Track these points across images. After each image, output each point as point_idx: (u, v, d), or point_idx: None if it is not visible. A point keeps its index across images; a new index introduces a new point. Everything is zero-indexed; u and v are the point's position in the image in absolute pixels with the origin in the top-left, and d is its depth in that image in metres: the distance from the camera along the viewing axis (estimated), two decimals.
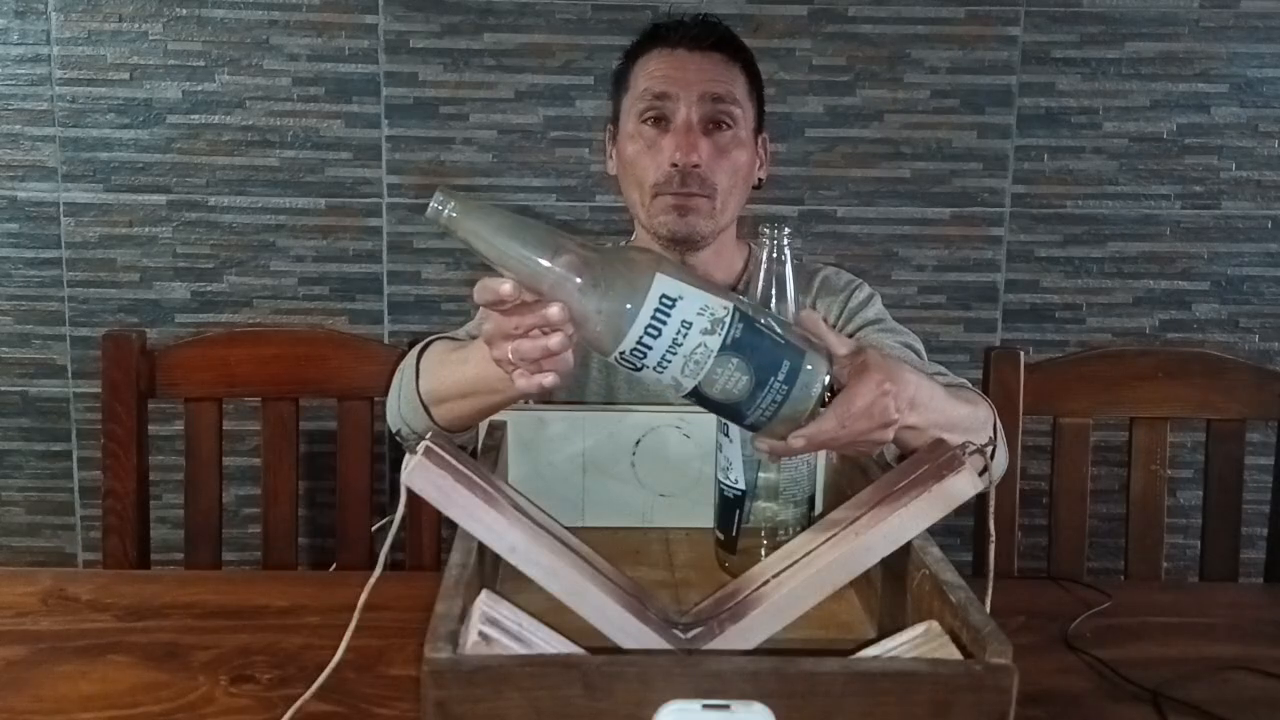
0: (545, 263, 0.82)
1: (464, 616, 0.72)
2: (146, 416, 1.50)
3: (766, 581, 0.86)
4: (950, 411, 1.02)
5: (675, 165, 1.25)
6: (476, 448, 1.15)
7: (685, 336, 0.82)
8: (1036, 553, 1.56)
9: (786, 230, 0.95)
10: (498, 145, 2.01)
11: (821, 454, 1.10)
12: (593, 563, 0.86)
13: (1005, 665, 0.68)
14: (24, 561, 2.07)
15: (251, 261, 2.02)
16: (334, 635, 0.80)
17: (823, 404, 0.86)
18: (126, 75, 1.96)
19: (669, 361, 0.82)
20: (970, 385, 1.21)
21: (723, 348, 0.82)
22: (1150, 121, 2.03)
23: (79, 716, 0.90)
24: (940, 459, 0.87)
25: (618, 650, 0.79)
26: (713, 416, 1.03)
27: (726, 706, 0.66)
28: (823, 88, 2.00)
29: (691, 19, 1.31)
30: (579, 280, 0.82)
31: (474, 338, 1.22)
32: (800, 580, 0.83)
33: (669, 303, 0.81)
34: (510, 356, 0.87)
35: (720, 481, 1.04)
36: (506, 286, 0.83)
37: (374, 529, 1.51)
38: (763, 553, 1.01)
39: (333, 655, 0.79)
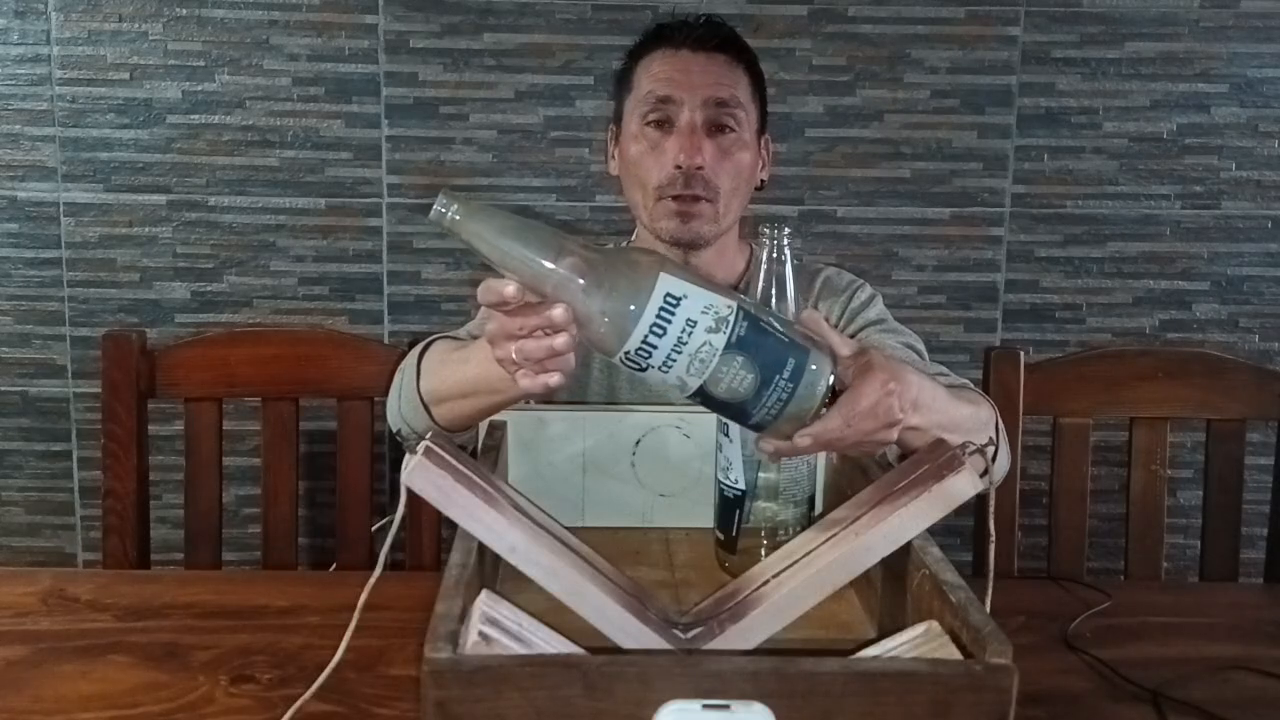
0: (549, 264, 0.82)
1: (464, 616, 0.72)
2: (146, 416, 1.50)
3: (766, 581, 0.86)
4: (953, 412, 1.02)
5: (679, 167, 1.25)
6: (476, 448, 1.15)
7: (690, 335, 0.82)
8: (1036, 553, 1.56)
9: (786, 230, 0.95)
10: (498, 145, 2.01)
11: (822, 454, 1.10)
12: (593, 563, 0.86)
13: (1005, 665, 0.68)
14: (24, 561, 2.07)
15: (251, 261, 2.02)
16: (334, 635, 0.80)
17: (826, 405, 0.86)
18: (126, 75, 1.96)
19: (674, 361, 0.82)
20: (972, 386, 1.21)
21: (728, 346, 0.82)
22: (1150, 121, 2.03)
23: (79, 716, 0.90)
24: (940, 459, 0.87)
25: (618, 650, 0.79)
26: (713, 417, 1.03)
27: (726, 706, 0.66)
28: (823, 88, 2.00)
29: (696, 20, 1.31)
30: (582, 281, 0.82)
31: (475, 337, 1.22)
32: (800, 580, 0.83)
33: (673, 301, 0.81)
34: (514, 356, 0.87)
35: (720, 481, 1.04)
36: (511, 288, 0.83)
37: (374, 529, 1.51)
38: (763, 553, 1.01)
39: (333, 655, 0.79)
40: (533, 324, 0.84)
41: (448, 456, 0.82)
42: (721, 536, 1.05)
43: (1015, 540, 1.47)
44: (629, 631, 0.79)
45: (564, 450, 1.17)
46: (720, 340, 0.82)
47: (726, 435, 1.02)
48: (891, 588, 0.90)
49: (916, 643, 0.76)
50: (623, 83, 1.34)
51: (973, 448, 0.88)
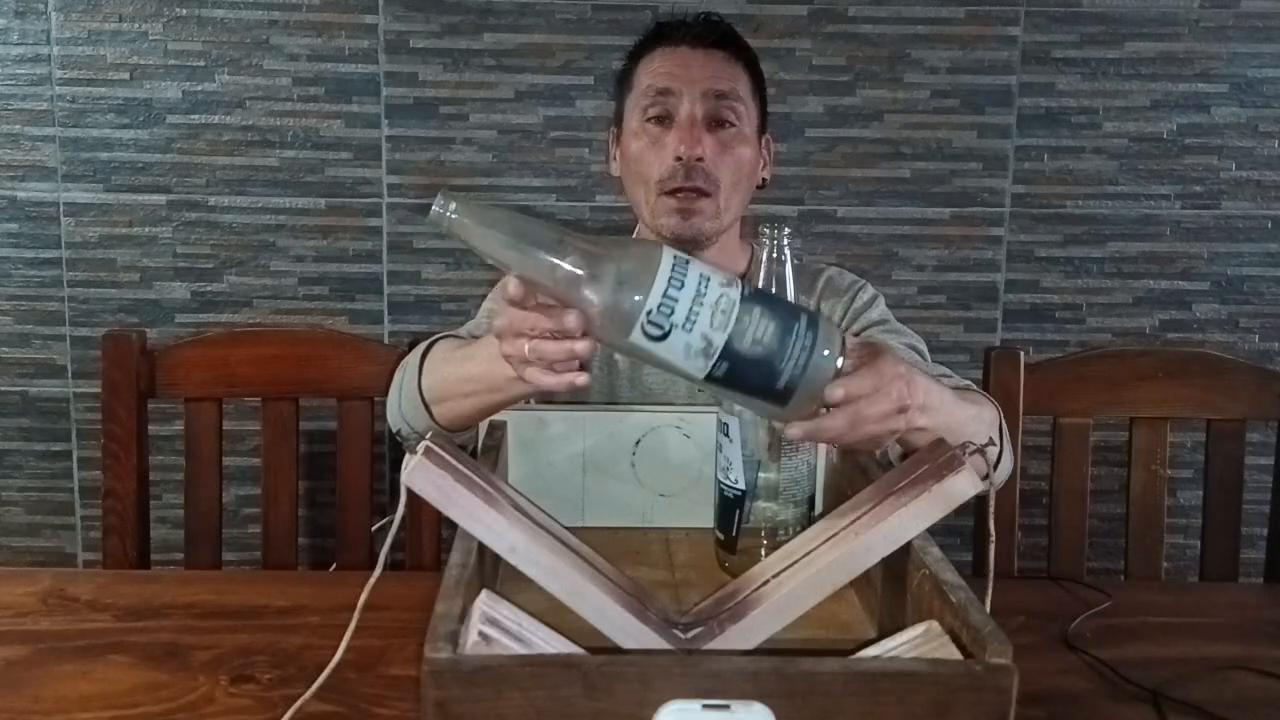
0: (552, 258, 0.83)
1: (464, 616, 0.72)
2: (146, 416, 1.50)
3: (766, 581, 0.86)
4: (958, 414, 1.02)
5: (679, 159, 1.25)
6: (476, 448, 1.15)
7: (707, 288, 0.83)
8: (1036, 553, 1.56)
9: (786, 230, 0.96)
10: (498, 145, 2.01)
11: (821, 454, 1.10)
12: (593, 563, 0.86)
13: (1005, 665, 0.68)
14: (24, 561, 2.07)
15: (251, 261, 2.02)
16: (334, 635, 0.80)
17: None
18: (126, 75, 1.96)
19: (696, 315, 0.82)
20: (975, 387, 1.21)
21: (744, 297, 0.83)
22: (1150, 121, 2.03)
23: (79, 716, 0.90)
24: (940, 459, 0.87)
25: (618, 650, 0.79)
26: (712, 417, 1.04)
27: (726, 706, 0.66)
28: (823, 88, 2.00)
29: (695, 18, 1.31)
30: (585, 271, 0.82)
31: (476, 337, 1.22)
32: (800, 580, 0.83)
33: (684, 264, 0.83)
34: (526, 354, 0.87)
35: (720, 481, 1.04)
36: (512, 285, 0.85)
37: (374, 529, 1.51)
38: (763, 553, 1.01)
39: (333, 655, 0.79)
40: (544, 326, 0.85)
41: (448, 456, 0.82)
42: (721, 536, 1.05)
43: (1015, 540, 1.47)
44: (629, 631, 0.79)
45: (564, 450, 1.17)
46: (736, 293, 0.83)
47: (726, 435, 1.02)
48: (891, 588, 0.90)
49: (916, 643, 0.76)
50: (623, 83, 1.34)
51: (973, 448, 0.88)
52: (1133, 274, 2.07)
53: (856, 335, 1.28)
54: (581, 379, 0.88)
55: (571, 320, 0.83)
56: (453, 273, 2.03)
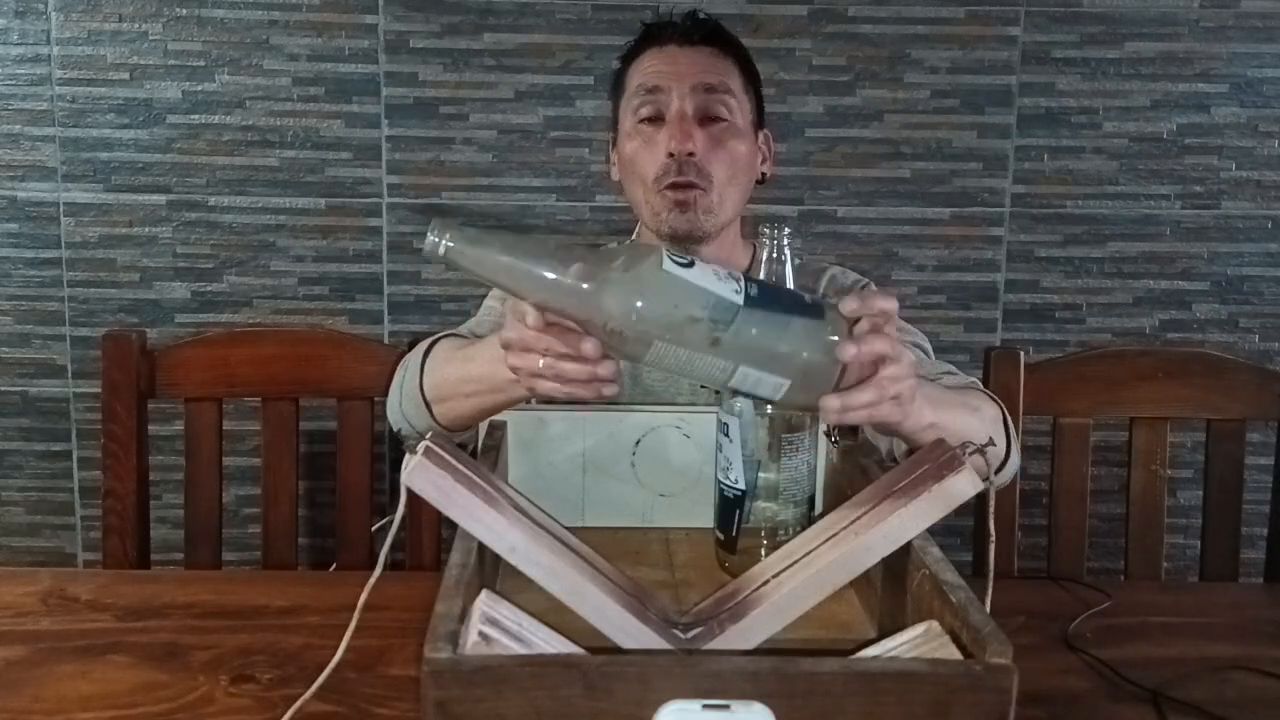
0: (554, 275, 0.84)
1: (464, 616, 0.72)
2: (146, 416, 1.50)
3: (766, 581, 0.86)
4: (965, 418, 1.05)
5: (671, 155, 1.25)
6: (476, 448, 1.15)
7: (714, 269, 0.86)
8: (1036, 553, 1.56)
9: (786, 230, 0.96)
10: (498, 145, 2.01)
11: (821, 454, 1.10)
12: (593, 563, 0.86)
13: (1005, 665, 0.68)
14: (24, 561, 2.07)
15: (251, 261, 2.02)
16: (334, 635, 0.80)
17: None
18: (126, 75, 1.96)
19: (718, 273, 0.86)
20: (980, 385, 1.21)
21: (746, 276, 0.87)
22: (1150, 121, 2.03)
23: (79, 716, 0.90)
24: (940, 459, 0.87)
25: (618, 650, 0.79)
26: (712, 417, 1.04)
27: (726, 706, 0.66)
28: (823, 88, 2.00)
29: (681, 17, 1.31)
30: (588, 285, 0.83)
31: (477, 335, 1.22)
32: (800, 580, 0.83)
33: (683, 255, 0.87)
34: (540, 369, 0.90)
35: (720, 481, 1.04)
36: (531, 316, 0.87)
37: (374, 529, 1.51)
38: (763, 553, 1.01)
39: (333, 655, 0.79)
40: (559, 350, 0.88)
41: (448, 456, 0.82)
42: (721, 536, 1.05)
43: (1015, 540, 1.47)
44: (629, 631, 0.79)
45: (564, 450, 1.17)
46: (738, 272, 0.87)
47: (726, 435, 1.02)
48: (891, 588, 0.90)
49: (916, 643, 0.76)
50: (616, 87, 1.35)
51: (973, 448, 0.88)
52: (1133, 274, 2.07)
53: None
54: (610, 390, 0.90)
55: (589, 348, 0.86)
56: (453, 273, 2.02)
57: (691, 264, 0.86)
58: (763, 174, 1.36)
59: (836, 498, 1.03)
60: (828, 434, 1.09)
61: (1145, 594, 1.24)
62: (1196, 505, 1.75)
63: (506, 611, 0.75)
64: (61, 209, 2.00)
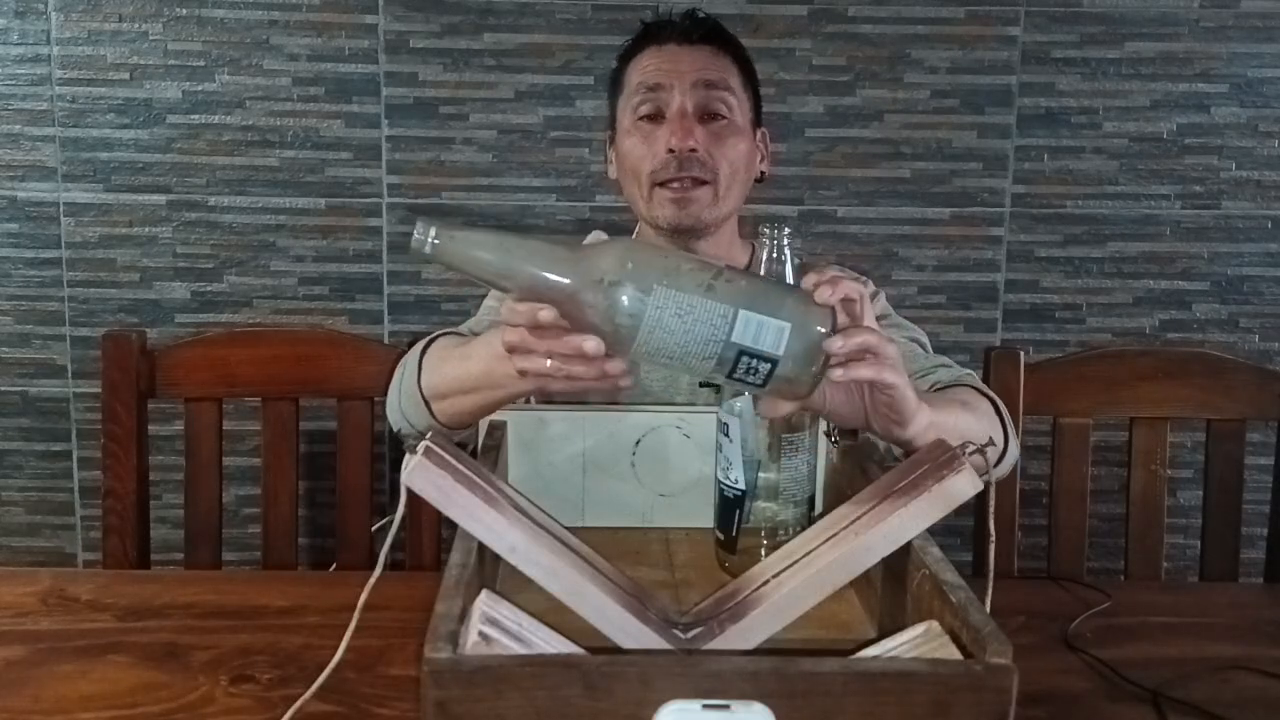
0: (541, 259, 0.84)
1: (464, 616, 0.72)
2: (146, 416, 1.50)
3: (766, 581, 0.86)
4: (966, 421, 1.05)
5: (672, 151, 1.25)
6: (476, 447, 1.15)
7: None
8: (1036, 553, 1.56)
9: (786, 230, 0.95)
10: (498, 145, 2.01)
11: (821, 454, 1.10)
12: (593, 563, 0.86)
13: (1005, 665, 0.68)
14: (24, 561, 2.07)
15: (251, 261, 2.02)
16: (334, 635, 0.80)
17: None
18: (126, 75, 1.97)
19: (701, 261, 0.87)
20: (975, 378, 1.22)
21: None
22: (1150, 121, 2.03)
23: (79, 716, 0.90)
24: (940, 459, 0.87)
25: (618, 650, 0.79)
26: (712, 417, 1.04)
27: (726, 706, 0.66)
28: (823, 88, 2.00)
29: (680, 16, 1.31)
30: (568, 281, 0.84)
31: (476, 334, 1.22)
32: (800, 580, 0.83)
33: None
34: (548, 369, 0.89)
35: (720, 481, 1.04)
36: (547, 314, 0.86)
37: (374, 529, 1.51)
38: (763, 553, 1.01)
39: (333, 655, 0.79)
40: (560, 352, 0.88)
41: (448, 456, 0.82)
42: (721, 536, 1.05)
43: (1015, 540, 1.47)
44: (629, 631, 0.79)
45: (564, 450, 1.17)
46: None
47: (726, 435, 1.02)
48: (891, 588, 0.90)
49: (916, 643, 0.76)
50: (614, 85, 1.35)
51: (973, 448, 0.88)
52: (1133, 274, 2.07)
53: None
54: (626, 382, 0.90)
55: (591, 346, 0.85)
56: (452, 273, 2.02)
57: None
58: (760, 173, 1.36)
59: (836, 498, 1.03)
60: (828, 434, 1.09)
61: (1145, 594, 1.24)
62: (1196, 505, 1.75)
63: (506, 611, 0.75)
64: (61, 209, 2.00)
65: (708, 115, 1.27)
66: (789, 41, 1.99)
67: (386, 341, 1.93)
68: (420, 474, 0.79)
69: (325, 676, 0.79)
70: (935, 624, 0.77)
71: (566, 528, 0.93)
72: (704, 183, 1.26)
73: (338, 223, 2.02)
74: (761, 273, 0.96)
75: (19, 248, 2.01)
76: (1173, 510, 1.79)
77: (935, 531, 0.85)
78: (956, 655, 0.72)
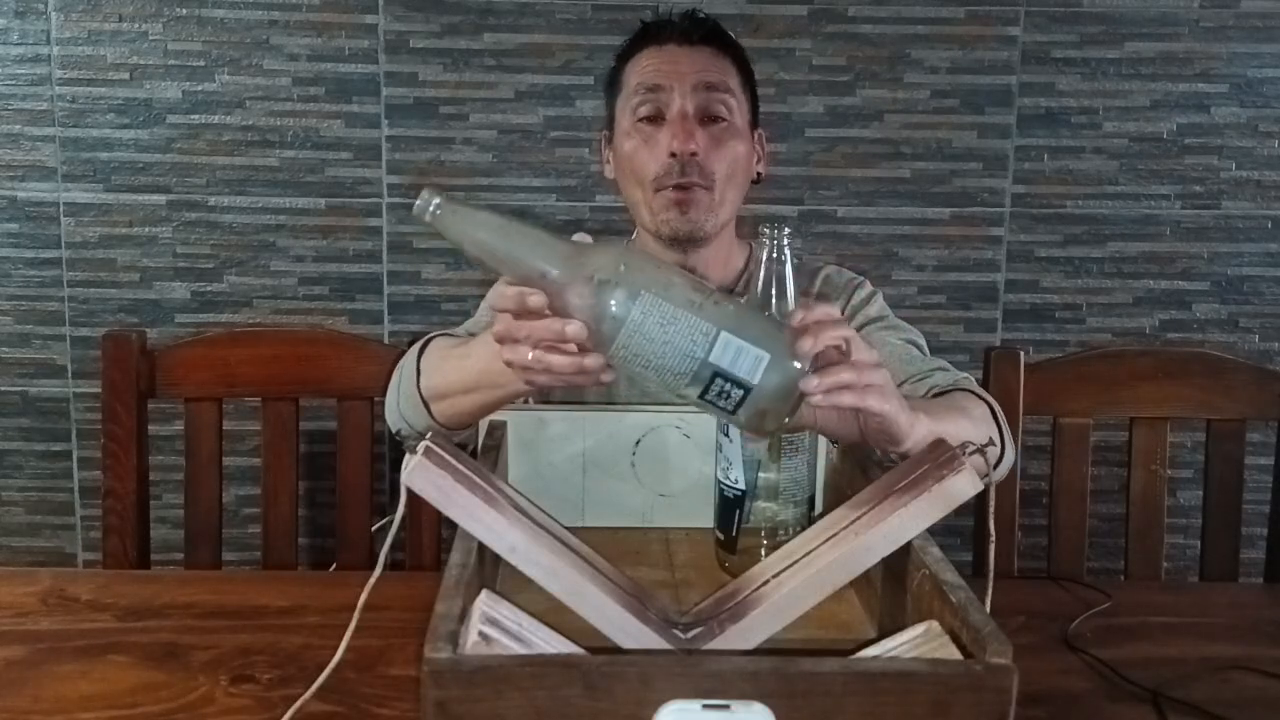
0: (538, 243, 0.85)
1: (464, 616, 0.72)
2: (146, 416, 1.50)
3: (766, 581, 0.86)
4: (962, 425, 1.04)
5: (673, 155, 1.25)
6: (476, 448, 1.15)
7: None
8: (1036, 553, 1.56)
9: (786, 230, 0.95)
10: (498, 145, 2.01)
11: (821, 454, 1.10)
12: (593, 563, 0.86)
13: (1005, 665, 0.68)
14: (24, 561, 2.07)
15: (251, 261, 2.02)
16: (334, 635, 0.80)
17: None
18: (126, 75, 1.96)
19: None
20: (972, 381, 1.21)
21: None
22: (1150, 121, 2.03)
23: (79, 716, 0.90)
24: (940, 459, 0.87)
25: (618, 650, 0.79)
26: (712, 418, 1.03)
27: (726, 706, 0.66)
28: (823, 88, 2.00)
29: (680, 16, 1.31)
30: (557, 272, 0.84)
31: (474, 335, 1.22)
32: (800, 580, 0.83)
33: None
34: (530, 361, 0.88)
35: (720, 481, 1.04)
36: (535, 299, 0.85)
37: (374, 529, 1.51)
38: (763, 553, 1.01)
39: (333, 655, 0.79)
40: (540, 336, 0.86)
41: (448, 456, 0.82)
42: (721, 536, 1.05)
43: (1015, 540, 1.47)
44: (629, 631, 0.79)
45: (564, 450, 1.17)
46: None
47: (726, 435, 1.02)
48: (891, 588, 0.90)
49: (916, 643, 0.76)
50: (612, 85, 1.34)
51: (973, 448, 0.88)
52: (1133, 274, 2.07)
53: (857, 331, 1.28)
54: (608, 377, 0.89)
55: (573, 330, 0.84)
56: (453, 273, 2.03)
57: None
58: (758, 173, 1.36)
59: (836, 498, 1.04)
60: None
61: (1145, 594, 1.24)
62: (1196, 505, 1.75)
63: (506, 611, 0.75)
64: (61, 209, 2.00)
65: (708, 118, 1.27)
66: (789, 41, 1.99)
67: (386, 341, 1.93)
68: (420, 474, 0.79)
69: (325, 676, 0.80)
70: (935, 624, 0.77)
71: (566, 528, 0.93)
72: (704, 188, 1.26)
73: (338, 223, 2.02)
74: (761, 274, 0.96)
75: (19, 248, 2.01)
76: (1173, 510, 1.79)
77: (935, 531, 0.85)
78: (956, 655, 0.73)
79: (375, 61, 1.98)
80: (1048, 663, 1.02)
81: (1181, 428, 1.65)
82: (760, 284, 0.96)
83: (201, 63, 1.96)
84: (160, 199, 2.00)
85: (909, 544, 0.84)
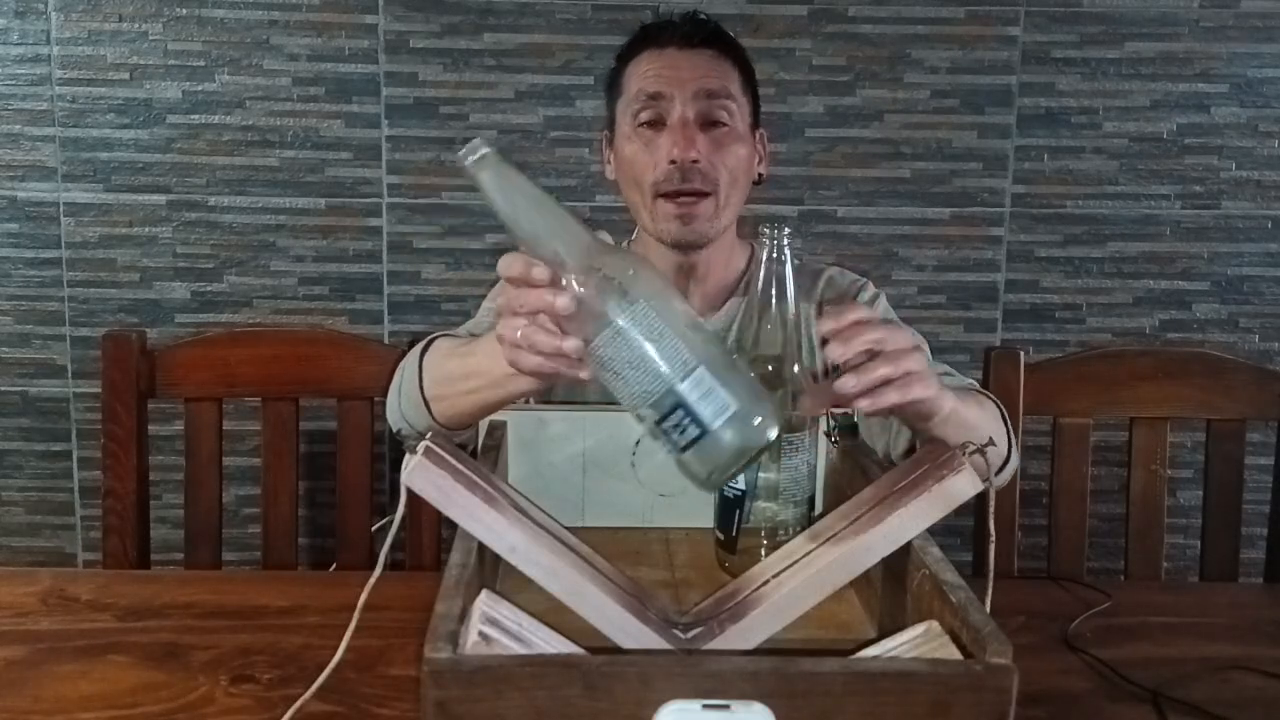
0: (566, 221, 0.86)
1: (464, 616, 0.72)
2: (146, 416, 1.50)
3: (766, 581, 0.86)
4: (974, 414, 1.05)
5: (674, 162, 1.24)
6: (476, 448, 1.15)
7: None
8: (1036, 553, 1.56)
9: (786, 230, 0.95)
10: (498, 145, 2.00)
11: (821, 454, 1.10)
12: (593, 563, 0.86)
13: (1005, 665, 0.68)
14: (24, 561, 2.07)
15: (251, 261, 2.02)
16: (334, 635, 0.80)
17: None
18: (126, 75, 1.97)
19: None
20: (978, 386, 1.21)
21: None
22: (1150, 121, 2.03)
23: (79, 716, 0.90)
24: (940, 459, 0.87)
25: (618, 650, 0.79)
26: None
27: (726, 706, 0.66)
28: (823, 88, 2.00)
29: (681, 18, 1.31)
30: (595, 240, 0.85)
31: (475, 336, 1.22)
32: (800, 580, 0.83)
33: None
34: (517, 338, 0.87)
35: None
36: (540, 271, 0.85)
37: (374, 529, 1.51)
38: (763, 553, 1.01)
39: (333, 655, 0.79)
40: (533, 305, 0.85)
41: (448, 456, 0.82)
42: (721, 536, 1.05)
43: (1015, 540, 1.47)
44: (629, 631, 0.79)
45: (564, 450, 1.17)
46: None
47: None
48: (891, 588, 0.90)
49: (916, 643, 0.76)
50: (613, 87, 1.34)
51: (972, 448, 0.88)
52: (1133, 274, 2.07)
53: None
54: (583, 373, 0.88)
55: (563, 303, 0.83)
56: (453, 273, 2.03)
57: None
58: (759, 174, 1.35)
59: (836, 498, 1.03)
60: (828, 434, 1.09)
61: (1145, 594, 1.24)
62: (1196, 505, 1.75)
63: (506, 611, 0.75)
64: (61, 209, 2.00)
65: (709, 123, 1.26)
66: (789, 41, 1.99)
67: (386, 341, 1.93)
68: (420, 474, 0.79)
69: (325, 676, 0.79)
70: (935, 624, 0.77)
71: (566, 528, 0.93)
72: (705, 194, 1.26)
73: (338, 223, 2.02)
74: (761, 274, 0.96)
75: (19, 248, 2.01)
76: (1173, 510, 1.79)
77: (935, 531, 0.85)
78: (956, 655, 0.73)
79: (375, 61, 1.98)
80: (1048, 663, 1.02)
81: (1181, 428, 1.65)
82: (760, 284, 0.96)
83: (201, 63, 1.96)
84: (160, 199, 2.00)
85: (909, 544, 0.84)
